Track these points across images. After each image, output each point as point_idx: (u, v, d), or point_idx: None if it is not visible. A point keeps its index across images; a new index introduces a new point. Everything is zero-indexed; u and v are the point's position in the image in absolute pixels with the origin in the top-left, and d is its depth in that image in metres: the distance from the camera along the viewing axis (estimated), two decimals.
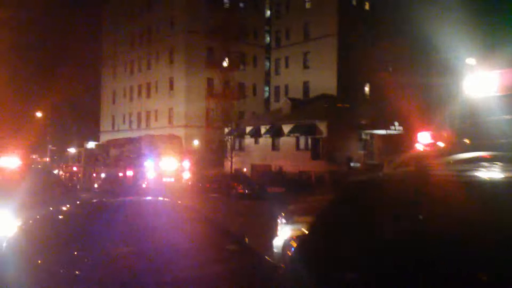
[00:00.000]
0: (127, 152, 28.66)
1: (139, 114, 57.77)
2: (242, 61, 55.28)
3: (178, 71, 51.92)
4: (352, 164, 32.65)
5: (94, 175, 30.37)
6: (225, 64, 53.00)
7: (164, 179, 25.76)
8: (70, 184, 27.69)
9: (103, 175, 29.54)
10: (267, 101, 57.77)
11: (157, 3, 54.82)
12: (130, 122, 59.24)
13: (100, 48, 66.86)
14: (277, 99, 55.86)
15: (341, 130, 34.46)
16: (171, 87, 52.88)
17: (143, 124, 56.73)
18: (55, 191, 9.71)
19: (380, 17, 49.02)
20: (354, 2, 50.89)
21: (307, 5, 52.64)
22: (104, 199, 8.02)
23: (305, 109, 38.48)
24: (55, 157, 59.74)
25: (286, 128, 37.50)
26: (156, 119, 54.39)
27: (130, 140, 29.71)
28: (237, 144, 43.60)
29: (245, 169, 41.23)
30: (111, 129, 62.72)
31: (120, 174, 27.47)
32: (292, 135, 35.67)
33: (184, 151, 29.20)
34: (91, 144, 33.74)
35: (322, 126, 34.33)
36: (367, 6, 51.73)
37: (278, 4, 55.87)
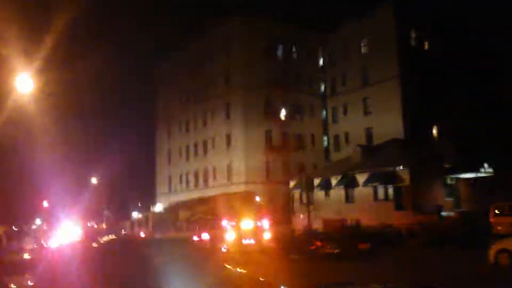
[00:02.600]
0: (200, 213, 26.78)
1: (196, 173, 56.54)
2: (299, 112, 53.84)
3: (235, 126, 50.83)
4: (443, 214, 29.32)
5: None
6: (282, 115, 51.70)
7: (244, 241, 23.44)
8: None
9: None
10: (326, 151, 55.37)
11: (211, 61, 54.96)
12: (187, 182, 58.00)
13: (154, 109, 67.45)
14: (336, 148, 53.46)
15: (425, 176, 31.46)
16: (229, 143, 51.64)
17: (201, 183, 55.29)
18: None
19: (440, 56, 46.89)
20: (413, 43, 49.01)
21: (363, 50, 51.16)
22: None
23: (378, 156, 35.77)
24: (114, 223, 58.92)
25: (360, 178, 34.80)
26: (214, 177, 52.86)
27: (202, 201, 27.88)
28: (304, 198, 41.08)
29: (315, 225, 38.35)
30: (167, 191, 61.65)
31: (195, 238, 25.35)
32: (370, 184, 32.84)
33: (261, 209, 26.95)
34: (158, 207, 32.02)
35: (404, 173, 31.43)
36: (426, 46, 49.69)
37: (332, 52, 54.76)
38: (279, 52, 54.20)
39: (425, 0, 47.15)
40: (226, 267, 8.25)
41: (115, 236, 31.79)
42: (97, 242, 30.08)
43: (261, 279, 5.95)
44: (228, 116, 52.34)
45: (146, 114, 67.81)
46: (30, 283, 10.63)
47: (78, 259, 8.75)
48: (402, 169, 31.60)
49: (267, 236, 24.73)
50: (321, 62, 56.80)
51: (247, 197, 25.89)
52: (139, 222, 32.71)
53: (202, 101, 56.54)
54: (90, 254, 9.49)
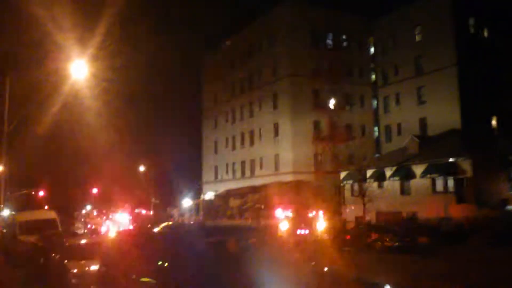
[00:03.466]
0: (251, 202, 26.22)
1: (242, 163, 56.15)
2: (348, 102, 52.34)
3: (283, 116, 49.99)
4: (509, 207, 27.46)
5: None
6: (331, 105, 50.36)
7: (298, 231, 22.67)
8: None
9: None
10: (376, 142, 53.63)
11: (258, 50, 54.29)
12: (234, 171, 57.73)
13: (201, 100, 67.63)
14: (388, 139, 51.65)
15: (487, 168, 29.59)
16: (276, 133, 50.87)
17: (248, 173, 54.84)
18: None
19: (500, 43, 44.24)
20: (472, 30, 46.41)
21: (417, 38, 48.95)
22: None
23: (436, 147, 34.02)
24: (162, 210, 59.55)
25: (417, 169, 33.23)
26: (261, 167, 52.25)
27: (253, 189, 27.30)
28: (355, 189, 39.83)
29: (367, 217, 37.06)
30: (213, 179, 61.67)
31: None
32: (428, 176, 31.25)
33: (314, 198, 26.07)
34: (209, 195, 31.67)
35: (465, 165, 29.68)
36: (485, 34, 46.98)
37: (383, 40, 52.77)
38: (328, 41, 52.76)
39: None
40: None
41: (169, 223, 31.73)
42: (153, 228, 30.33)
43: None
44: (275, 106, 51.53)
45: (194, 104, 67.91)
46: (94, 267, 10.29)
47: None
48: (463, 160, 29.84)
49: (321, 226, 23.87)
50: (371, 50, 54.92)
51: (300, 187, 25.11)
52: (190, 209, 32.49)
53: (249, 91, 56.03)
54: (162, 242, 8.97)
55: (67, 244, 12.60)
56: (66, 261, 11.45)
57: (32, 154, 29.19)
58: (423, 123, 47.34)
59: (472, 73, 43.38)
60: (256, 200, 25.52)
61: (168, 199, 67.32)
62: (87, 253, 11.49)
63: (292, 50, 49.96)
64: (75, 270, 10.88)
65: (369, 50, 54.87)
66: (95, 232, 36.77)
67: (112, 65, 23.01)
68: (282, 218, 22.79)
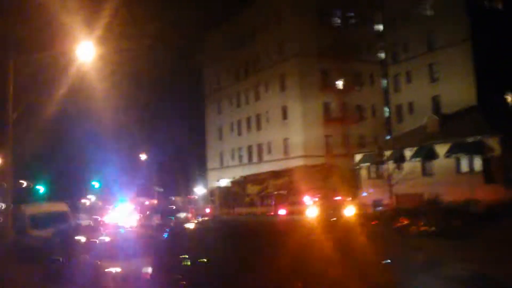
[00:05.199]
0: (272, 187, 24.77)
1: (249, 148, 54.63)
2: (358, 81, 50.71)
3: (291, 98, 48.30)
4: None
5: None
6: (340, 85, 48.79)
7: (329, 217, 21.27)
8: None
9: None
10: (387, 122, 52.16)
11: (262, 30, 52.21)
12: (240, 157, 56.25)
13: (204, 83, 65.53)
14: (399, 119, 50.14)
15: None
16: (285, 116, 49.23)
17: (255, 158, 53.38)
18: None
19: None
20: (485, 2, 44.67)
21: (428, 13, 47.13)
22: None
23: (458, 125, 32.58)
24: (170, 198, 58.16)
25: (439, 149, 31.82)
26: (269, 152, 50.78)
27: (274, 174, 25.79)
28: (371, 172, 38.48)
29: (385, 200, 35.77)
30: (219, 166, 60.20)
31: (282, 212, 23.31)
32: (453, 156, 29.85)
33: (341, 183, 24.63)
34: (223, 182, 30.12)
35: (493, 142, 28.26)
36: (500, 5, 45.23)
37: (392, 16, 50.86)
38: (335, 18, 50.82)
39: None
40: None
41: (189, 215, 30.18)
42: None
43: None
44: (283, 88, 49.80)
45: (196, 88, 65.80)
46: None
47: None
48: (490, 138, 28.44)
49: (351, 212, 22.47)
50: (380, 27, 53.07)
51: (327, 170, 23.65)
52: (204, 198, 30.95)
53: (254, 73, 54.17)
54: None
55: (96, 241, 11.03)
56: (99, 261, 9.94)
57: (35, 144, 27.66)
58: (436, 101, 45.86)
59: (486, 47, 41.71)
60: (279, 186, 23.98)
61: (172, 188, 65.81)
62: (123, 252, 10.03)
63: (298, 29, 48.12)
64: (113, 271, 9.38)
65: (377, 27, 53.03)
66: (102, 224, 35.45)
67: (119, 47, 21.79)
68: (310, 204, 21.34)
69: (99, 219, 40.39)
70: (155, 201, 63.83)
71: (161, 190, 66.42)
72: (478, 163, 29.42)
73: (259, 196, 25.19)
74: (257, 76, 53.35)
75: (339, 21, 50.81)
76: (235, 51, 56.19)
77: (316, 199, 21.44)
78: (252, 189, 26.17)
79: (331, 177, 23.19)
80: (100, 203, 59.34)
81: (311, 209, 21.36)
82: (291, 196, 22.34)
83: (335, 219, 21.71)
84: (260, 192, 25.25)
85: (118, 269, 9.24)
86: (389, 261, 8.83)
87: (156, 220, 40.23)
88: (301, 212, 21.78)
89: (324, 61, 47.77)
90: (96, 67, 19.94)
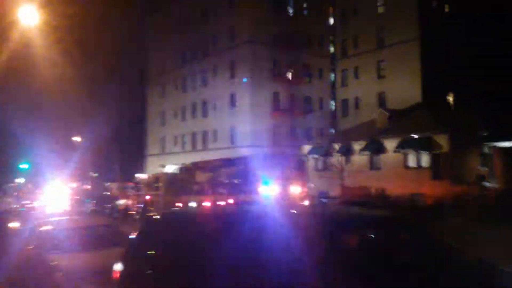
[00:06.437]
0: (224, 175, 23.62)
1: (194, 135, 52.94)
2: (307, 73, 50.46)
3: (241, 86, 47.08)
4: (487, 184, 26.92)
5: (181, 205, 25.08)
6: (290, 76, 48.30)
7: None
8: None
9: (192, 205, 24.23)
10: (332, 115, 52.49)
11: (213, 14, 50.42)
12: (183, 144, 54.40)
13: (146, 65, 62.50)
14: (345, 113, 50.65)
15: (463, 144, 28.92)
16: (233, 103, 48.00)
17: (199, 146, 51.82)
18: None
19: (460, 19, 44.06)
20: (434, 5, 45.89)
21: (379, 10, 47.71)
22: None
23: (406, 121, 33.00)
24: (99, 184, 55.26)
25: (388, 143, 32.08)
26: (215, 140, 49.42)
27: (227, 162, 24.56)
28: (319, 164, 38.30)
29: (331, 193, 35.71)
30: (160, 152, 57.98)
31: (222, 203, 22.17)
32: (402, 151, 30.14)
33: (293, 172, 23.92)
34: (169, 168, 28.47)
35: (441, 139, 28.78)
36: (446, 9, 46.64)
37: (343, 10, 51.03)
38: (289, 7, 50.13)
39: None
40: None
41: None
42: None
43: None
44: (232, 75, 48.48)
45: (138, 69, 62.74)
46: None
47: None
48: (439, 135, 28.96)
49: (306, 203, 21.80)
50: (331, 21, 53.12)
51: (288, 158, 22.80)
52: (147, 184, 29.13)
53: (202, 58, 52.30)
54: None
55: (40, 229, 9.15)
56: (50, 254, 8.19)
57: None
58: (381, 97, 46.71)
59: (434, 48, 42.94)
60: (230, 174, 22.87)
61: (108, 173, 62.69)
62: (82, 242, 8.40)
63: (251, 15, 46.87)
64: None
65: (329, 20, 53.03)
66: (33, 209, 32.69)
67: (65, 12, 19.94)
68: (266, 193, 20.40)
69: (29, 203, 37.35)
70: (89, 187, 60.55)
71: (96, 175, 63.14)
72: (425, 159, 29.87)
73: (209, 184, 23.86)
74: (205, 61, 51.59)
75: (292, 11, 50.17)
76: (183, 34, 53.84)
77: (272, 187, 20.52)
78: (201, 177, 24.78)
79: (285, 167, 22.33)
80: (30, 186, 55.21)
81: (266, 199, 20.45)
82: (248, 185, 21.23)
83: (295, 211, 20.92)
84: (211, 180, 23.93)
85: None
86: None
87: (90, 206, 37.86)
88: (254, 202, 20.79)
89: (276, 50, 47.01)
90: (32, 36, 18.19)
